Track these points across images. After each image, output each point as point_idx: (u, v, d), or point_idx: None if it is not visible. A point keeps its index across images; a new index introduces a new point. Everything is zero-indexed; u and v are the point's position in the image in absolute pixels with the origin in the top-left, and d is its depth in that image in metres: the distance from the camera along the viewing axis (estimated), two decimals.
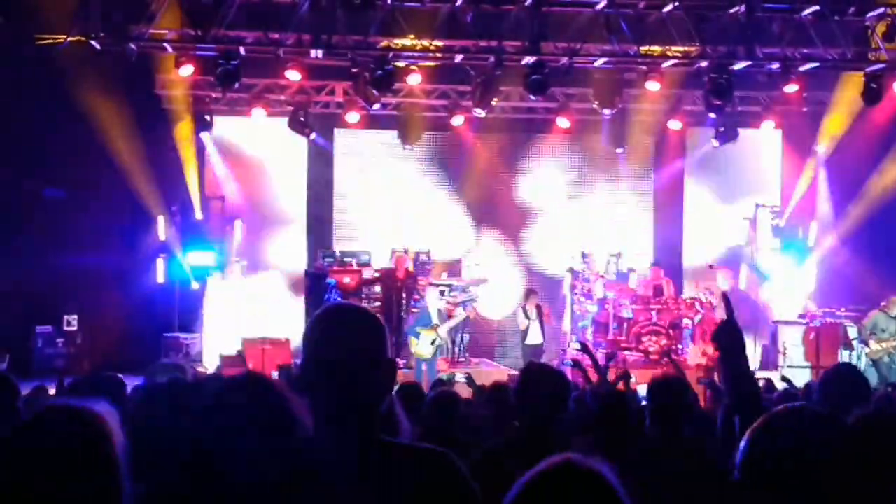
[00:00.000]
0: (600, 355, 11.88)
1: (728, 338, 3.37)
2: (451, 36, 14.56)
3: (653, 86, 15.22)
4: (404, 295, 16.12)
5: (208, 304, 17.21)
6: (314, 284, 16.51)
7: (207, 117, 17.17)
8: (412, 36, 14.27)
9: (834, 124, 17.62)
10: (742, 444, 2.23)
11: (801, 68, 14.96)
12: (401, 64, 14.70)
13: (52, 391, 7.62)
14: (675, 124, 17.84)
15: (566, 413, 4.31)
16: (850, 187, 18.02)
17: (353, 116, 16.77)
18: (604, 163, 18.80)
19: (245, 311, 16.99)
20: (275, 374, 10.74)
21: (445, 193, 18.53)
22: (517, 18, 14.07)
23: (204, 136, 17.30)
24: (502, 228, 18.71)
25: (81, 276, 15.86)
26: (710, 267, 17.38)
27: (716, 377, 13.13)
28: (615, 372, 8.92)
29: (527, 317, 15.72)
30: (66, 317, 16.60)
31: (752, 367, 5.40)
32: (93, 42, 13.28)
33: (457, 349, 16.20)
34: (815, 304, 17.31)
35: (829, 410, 2.49)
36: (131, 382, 5.12)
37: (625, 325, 16.13)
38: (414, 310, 15.58)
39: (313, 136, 17.17)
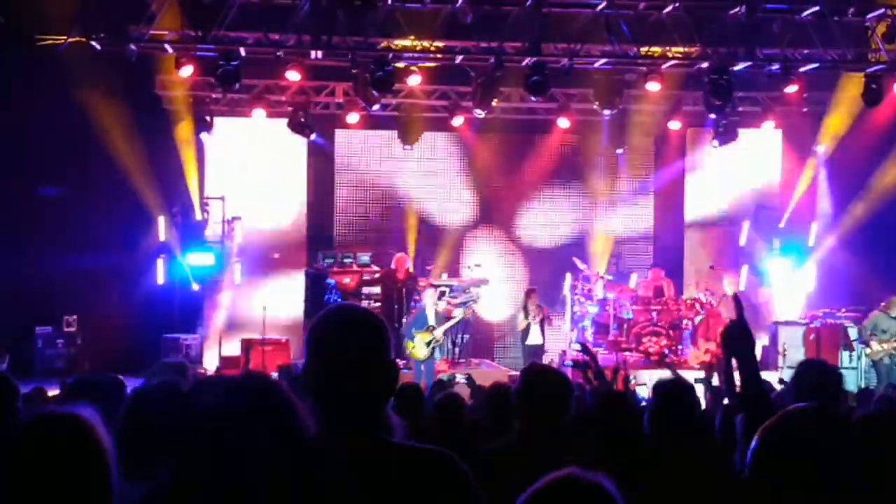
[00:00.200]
0: (608, 372, 11.87)
1: (739, 339, 3.37)
2: (452, 37, 14.56)
3: (653, 86, 15.22)
4: (405, 295, 16.11)
5: (208, 304, 17.22)
6: (314, 285, 16.52)
7: (208, 118, 17.16)
8: (412, 36, 14.28)
9: (834, 124, 17.61)
10: (753, 443, 2.23)
11: (802, 69, 14.97)
12: (401, 64, 14.70)
13: (51, 393, 7.63)
14: (675, 125, 17.84)
15: (567, 415, 4.29)
16: (850, 188, 18.01)
17: (353, 117, 16.78)
18: (604, 163, 18.80)
19: (245, 312, 17.00)
20: (275, 375, 10.74)
21: (445, 194, 18.53)
22: (517, 19, 14.07)
23: (204, 136, 17.29)
24: (503, 229, 18.71)
25: (81, 276, 15.85)
26: (711, 268, 17.41)
27: (715, 378, 13.17)
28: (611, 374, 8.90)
29: (526, 317, 15.72)
30: (66, 317, 16.59)
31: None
32: (93, 43, 13.29)
33: (457, 349, 16.19)
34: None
35: (839, 410, 2.49)
36: (131, 383, 5.11)
37: (625, 325, 16.14)
38: (414, 310, 15.58)
39: (313, 136, 17.17)
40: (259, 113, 16.72)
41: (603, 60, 14.84)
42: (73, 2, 13.17)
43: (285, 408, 2.27)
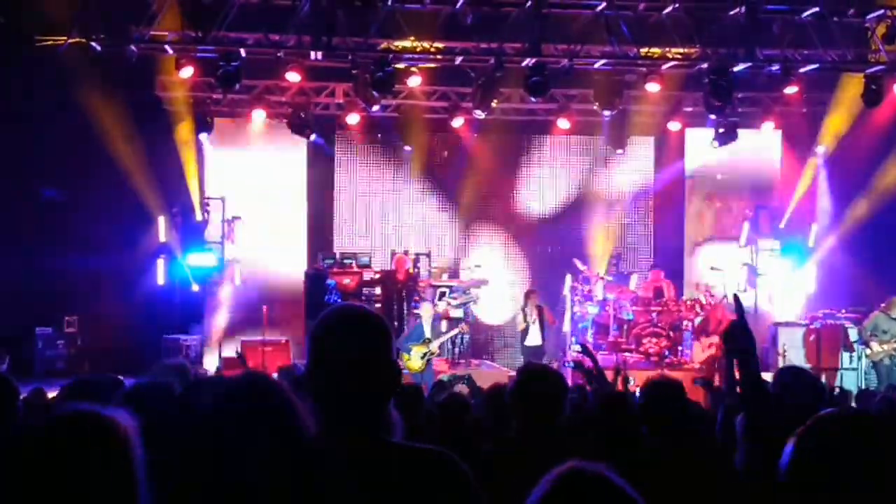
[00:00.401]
0: (609, 373, 11.87)
1: (740, 339, 3.36)
2: (452, 37, 14.56)
3: (653, 87, 15.22)
4: (405, 296, 16.11)
5: (208, 305, 17.22)
6: (314, 286, 16.51)
7: (208, 119, 17.16)
8: (412, 37, 14.28)
9: (834, 125, 17.61)
10: (788, 447, 2.23)
11: (802, 69, 14.97)
12: (401, 65, 14.70)
13: (51, 395, 7.61)
14: (674, 125, 17.86)
15: (562, 415, 4.28)
16: (850, 188, 18.02)
17: (353, 118, 16.79)
18: (604, 164, 18.81)
19: (245, 313, 17.00)
20: (275, 376, 10.74)
21: (445, 195, 18.53)
22: (517, 20, 14.07)
23: (204, 137, 17.30)
24: (503, 229, 18.72)
25: (82, 277, 15.87)
26: (712, 269, 17.44)
27: (716, 378, 13.18)
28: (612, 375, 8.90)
29: (526, 318, 15.71)
30: (66, 318, 16.61)
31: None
32: (93, 43, 13.29)
33: (457, 350, 16.20)
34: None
35: (877, 415, 2.50)
36: (132, 384, 5.10)
37: (625, 326, 16.14)
38: (415, 311, 15.56)
39: (313, 137, 17.17)
40: (259, 114, 16.73)
41: (603, 61, 14.84)
42: (72, 2, 13.17)
43: (285, 408, 2.27)
